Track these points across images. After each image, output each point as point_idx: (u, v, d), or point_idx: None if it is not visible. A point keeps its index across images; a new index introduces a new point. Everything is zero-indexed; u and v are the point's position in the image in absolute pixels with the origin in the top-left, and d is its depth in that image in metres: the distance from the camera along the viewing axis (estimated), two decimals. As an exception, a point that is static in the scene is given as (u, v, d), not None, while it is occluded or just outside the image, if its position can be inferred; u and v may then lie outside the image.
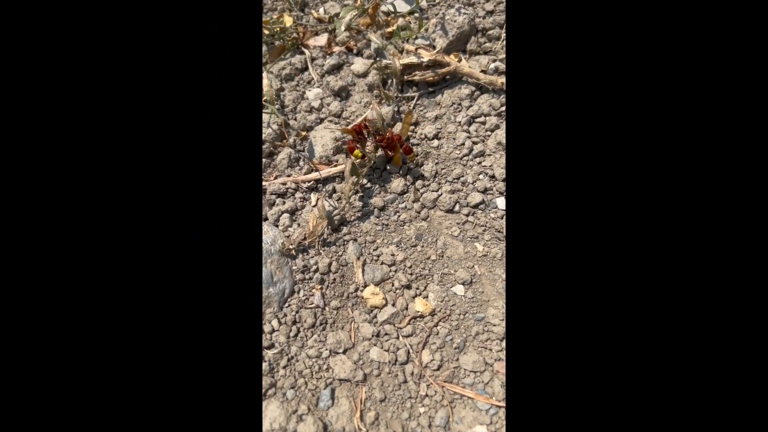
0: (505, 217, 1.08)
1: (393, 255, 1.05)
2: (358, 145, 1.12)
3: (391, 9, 1.44)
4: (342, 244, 1.06)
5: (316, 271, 1.02)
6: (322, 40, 1.43)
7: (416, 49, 1.31)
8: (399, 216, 1.11)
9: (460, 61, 1.36)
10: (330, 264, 1.03)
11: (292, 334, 0.94)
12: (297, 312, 0.97)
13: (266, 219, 1.13)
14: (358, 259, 1.04)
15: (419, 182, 1.15)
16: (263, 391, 0.88)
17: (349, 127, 1.20)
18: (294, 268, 1.02)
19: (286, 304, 0.98)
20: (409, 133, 1.23)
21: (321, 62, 1.37)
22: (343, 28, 1.35)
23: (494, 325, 0.96)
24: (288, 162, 1.21)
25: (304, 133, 1.27)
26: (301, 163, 1.22)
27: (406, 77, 1.27)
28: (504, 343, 0.93)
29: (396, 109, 1.25)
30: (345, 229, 1.09)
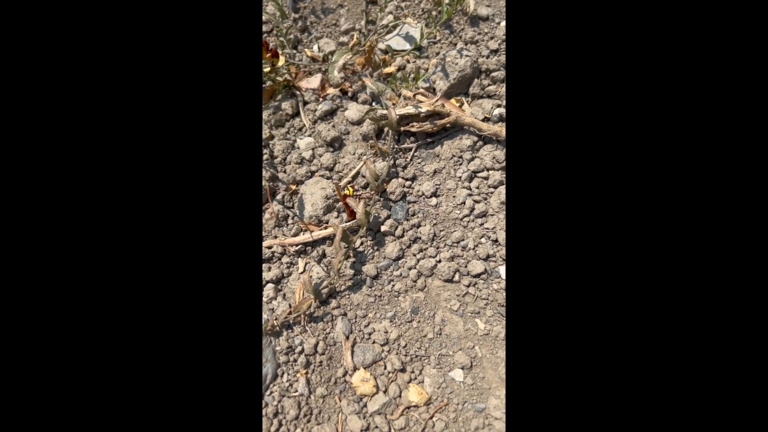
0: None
1: (386, 332, 0.97)
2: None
3: (389, 47, 1.35)
4: (330, 319, 0.98)
5: (302, 352, 0.94)
6: (315, 81, 1.35)
7: (414, 95, 1.23)
8: (393, 285, 1.02)
9: (461, 105, 1.27)
10: (317, 344, 0.94)
11: (273, 430, 0.86)
12: (279, 402, 0.89)
13: (250, 288, 1.04)
14: (347, 338, 0.96)
15: (416, 246, 1.06)
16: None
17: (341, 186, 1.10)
18: (277, 348, 0.94)
19: (268, 392, 0.89)
20: (405, 189, 1.14)
21: (313, 107, 1.29)
22: (336, 72, 1.26)
23: (496, 419, 0.87)
24: (276, 221, 1.13)
25: (294, 187, 1.18)
26: (290, 221, 1.13)
27: (402, 128, 1.18)
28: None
29: (392, 162, 1.16)
30: (334, 302, 1.00)
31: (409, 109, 1.16)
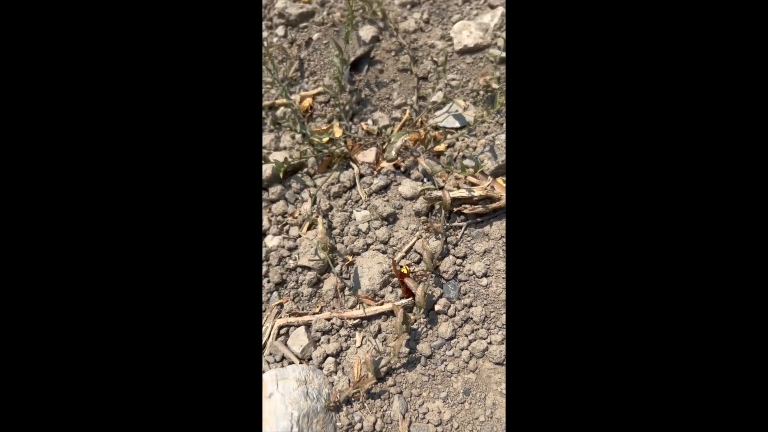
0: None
1: (440, 412, 1.02)
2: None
3: (441, 126, 1.45)
4: (387, 397, 1.03)
5: (361, 429, 0.99)
6: (370, 155, 1.45)
7: (465, 177, 1.31)
8: (446, 366, 1.07)
9: (509, 186, 1.34)
10: (375, 422, 1.00)
11: (334, 507, 0.91)
12: (340, 479, 0.94)
13: (310, 359, 1.11)
14: (404, 417, 1.01)
15: (468, 327, 1.12)
16: None
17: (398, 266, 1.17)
18: (338, 424, 0.99)
19: (329, 468, 0.95)
20: (457, 268, 1.21)
21: (369, 180, 1.38)
22: (394, 153, 1.36)
23: None
24: (334, 292, 1.20)
25: (350, 258, 1.26)
26: (347, 292, 1.21)
27: (455, 208, 1.26)
28: None
29: (444, 239, 1.24)
30: (390, 379, 1.06)
31: (463, 192, 1.24)
